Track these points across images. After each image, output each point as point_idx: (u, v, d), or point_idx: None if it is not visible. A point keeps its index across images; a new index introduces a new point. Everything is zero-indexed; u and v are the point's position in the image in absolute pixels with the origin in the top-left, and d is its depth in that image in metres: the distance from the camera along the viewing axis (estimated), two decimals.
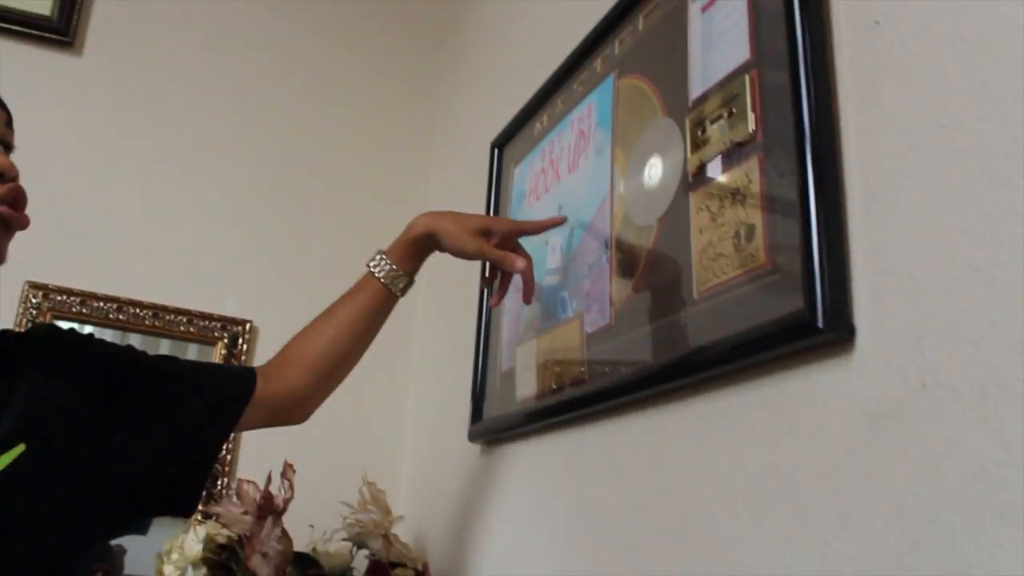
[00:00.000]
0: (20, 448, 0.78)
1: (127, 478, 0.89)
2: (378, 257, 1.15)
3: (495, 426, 1.36)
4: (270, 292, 1.82)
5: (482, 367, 1.44)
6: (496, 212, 1.52)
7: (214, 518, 1.49)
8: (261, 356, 1.77)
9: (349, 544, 1.57)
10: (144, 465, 0.90)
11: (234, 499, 1.48)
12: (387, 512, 1.52)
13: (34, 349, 0.89)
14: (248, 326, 1.76)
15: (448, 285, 1.74)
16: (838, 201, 0.76)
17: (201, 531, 1.48)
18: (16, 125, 1.69)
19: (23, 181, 1.68)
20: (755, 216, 0.85)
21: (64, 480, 0.82)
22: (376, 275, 1.15)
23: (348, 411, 1.83)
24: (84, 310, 1.65)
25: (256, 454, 1.72)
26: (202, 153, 1.85)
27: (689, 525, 0.89)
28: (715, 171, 0.92)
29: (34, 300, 1.62)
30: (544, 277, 1.28)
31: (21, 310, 1.62)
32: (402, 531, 1.59)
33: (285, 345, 1.15)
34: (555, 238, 1.27)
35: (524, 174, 1.43)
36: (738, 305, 0.85)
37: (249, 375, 1.07)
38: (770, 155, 0.84)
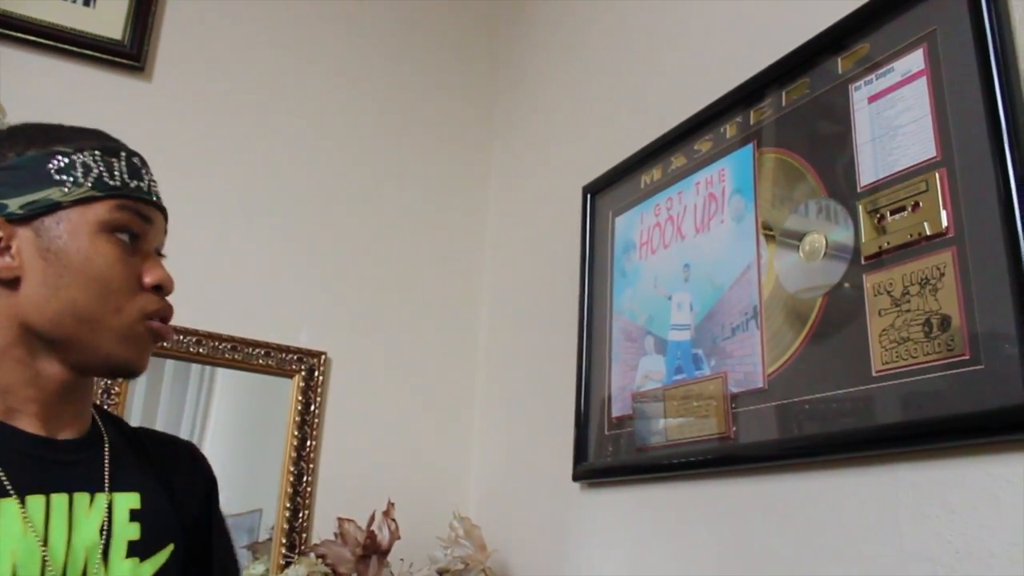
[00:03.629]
0: (171, 548, 0.84)
1: None
2: None
3: (605, 469, 1.41)
4: (343, 324, 1.83)
5: (585, 409, 1.49)
6: (592, 259, 1.56)
7: (312, 555, 1.51)
8: (336, 389, 1.78)
9: None
10: None
11: (335, 538, 1.50)
12: (482, 547, 1.56)
13: (179, 461, 0.94)
14: (323, 358, 1.77)
15: (541, 321, 1.77)
16: None
17: (301, 568, 1.49)
18: None
19: None
20: (951, 307, 0.92)
21: None
22: None
23: (422, 443, 1.86)
24: (166, 344, 1.63)
25: (333, 486, 1.73)
26: (275, 183, 1.84)
27: None
28: (898, 259, 0.99)
29: None
30: (668, 332, 1.34)
31: None
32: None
33: None
34: (681, 295, 1.33)
35: (631, 225, 1.48)
36: (932, 389, 0.93)
37: None
38: (968, 252, 0.92)
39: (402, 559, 1.61)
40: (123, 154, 0.85)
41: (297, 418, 1.72)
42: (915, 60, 1.02)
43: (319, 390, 1.75)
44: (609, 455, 1.42)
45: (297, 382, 1.73)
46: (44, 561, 0.74)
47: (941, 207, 0.95)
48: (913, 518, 0.94)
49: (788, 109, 1.20)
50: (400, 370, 1.87)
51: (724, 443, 1.19)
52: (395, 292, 1.91)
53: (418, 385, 1.88)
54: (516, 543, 1.65)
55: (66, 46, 1.67)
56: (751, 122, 1.26)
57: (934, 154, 0.98)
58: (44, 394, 0.80)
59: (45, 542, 0.74)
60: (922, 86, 1.01)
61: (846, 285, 1.06)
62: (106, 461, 0.83)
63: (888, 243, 1.00)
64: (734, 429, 1.18)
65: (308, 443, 1.71)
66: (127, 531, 0.81)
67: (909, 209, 0.99)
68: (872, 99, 1.07)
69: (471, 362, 1.96)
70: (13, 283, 0.78)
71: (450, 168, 2.06)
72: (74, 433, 0.83)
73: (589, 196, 1.61)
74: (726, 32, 1.38)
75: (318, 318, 1.81)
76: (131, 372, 0.83)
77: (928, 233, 0.96)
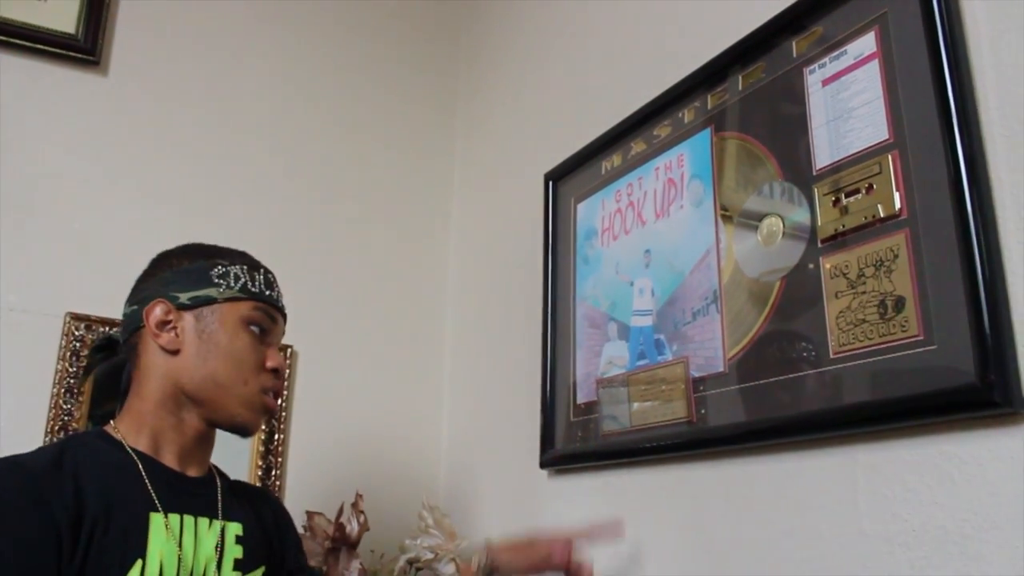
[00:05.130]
0: (262, 568, 1.08)
1: None
2: None
3: (572, 455, 1.42)
4: (308, 316, 1.81)
5: (551, 396, 1.50)
6: (555, 245, 1.56)
7: None
8: (303, 381, 1.77)
9: (405, 566, 1.60)
10: None
11: (304, 532, 1.49)
12: (452, 536, 1.55)
13: (267, 505, 1.18)
14: (289, 351, 1.75)
15: (506, 309, 1.77)
16: (1005, 282, 0.85)
17: None
18: (44, 146, 1.64)
19: (59, 205, 1.63)
20: (904, 288, 0.93)
21: None
22: None
23: (390, 434, 1.86)
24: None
25: (301, 480, 1.73)
26: (233, 176, 1.82)
27: (829, 569, 0.97)
28: (853, 241, 1.00)
29: (77, 332, 1.57)
30: (631, 318, 1.34)
31: (64, 342, 1.56)
32: None
33: None
34: (642, 280, 1.33)
35: (592, 212, 1.48)
36: (887, 370, 0.94)
37: None
38: (920, 233, 0.92)
39: (372, 550, 1.61)
40: (261, 271, 1.11)
41: None
42: (867, 43, 1.03)
43: (286, 383, 1.74)
44: (576, 441, 1.43)
45: None
46: (179, 560, 0.97)
47: (894, 189, 0.96)
48: (871, 498, 0.95)
49: (745, 93, 1.20)
50: (367, 361, 1.87)
51: (688, 427, 1.20)
52: (360, 284, 1.90)
53: (385, 376, 1.88)
54: (486, 531, 1.65)
55: (18, 41, 1.63)
56: (709, 107, 1.26)
57: (887, 136, 0.98)
58: (183, 439, 1.04)
59: (180, 548, 0.98)
60: (874, 69, 1.01)
61: (804, 268, 1.06)
62: (219, 497, 1.07)
63: (844, 225, 1.01)
64: (701, 412, 1.18)
65: (276, 436, 1.70)
66: (234, 551, 1.05)
67: (863, 191, 1.00)
68: (826, 82, 1.07)
69: (438, 352, 1.96)
70: (175, 353, 1.03)
71: (413, 158, 2.05)
72: (198, 473, 1.07)
73: (551, 183, 1.60)
74: (683, 17, 1.38)
75: None
76: (246, 431, 1.07)
77: (882, 215, 0.97)
